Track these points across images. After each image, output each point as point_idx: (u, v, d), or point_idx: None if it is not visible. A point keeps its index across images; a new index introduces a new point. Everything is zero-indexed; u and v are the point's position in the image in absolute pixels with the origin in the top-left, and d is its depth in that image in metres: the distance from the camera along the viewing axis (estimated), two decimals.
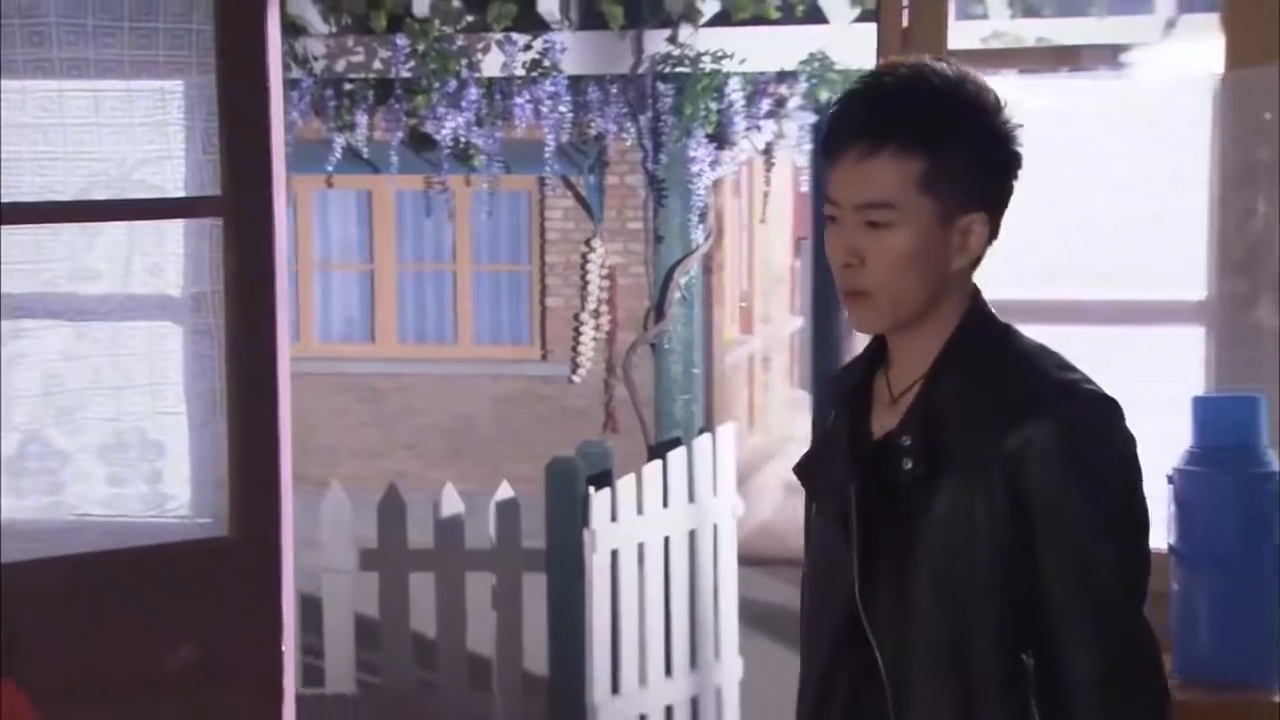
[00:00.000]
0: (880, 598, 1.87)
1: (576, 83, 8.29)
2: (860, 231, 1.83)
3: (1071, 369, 1.87)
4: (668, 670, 5.80)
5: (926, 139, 1.79)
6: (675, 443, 6.52)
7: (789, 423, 12.29)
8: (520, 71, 8.30)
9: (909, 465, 1.85)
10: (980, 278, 2.14)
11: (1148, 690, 1.80)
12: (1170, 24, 7.46)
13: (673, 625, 5.78)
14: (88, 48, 2.89)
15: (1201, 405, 2.78)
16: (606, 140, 8.85)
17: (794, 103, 8.36)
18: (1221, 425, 2.77)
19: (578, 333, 9.77)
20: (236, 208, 2.89)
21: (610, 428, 9.58)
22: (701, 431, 6.84)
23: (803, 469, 2.05)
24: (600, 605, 5.50)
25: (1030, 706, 1.80)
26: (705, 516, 5.96)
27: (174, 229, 2.99)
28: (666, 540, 5.77)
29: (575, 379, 9.84)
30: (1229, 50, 3.10)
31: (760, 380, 12.19)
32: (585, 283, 9.77)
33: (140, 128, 2.97)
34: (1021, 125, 1.86)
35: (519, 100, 8.29)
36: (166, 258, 3.01)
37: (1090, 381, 1.84)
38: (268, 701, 2.93)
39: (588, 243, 9.73)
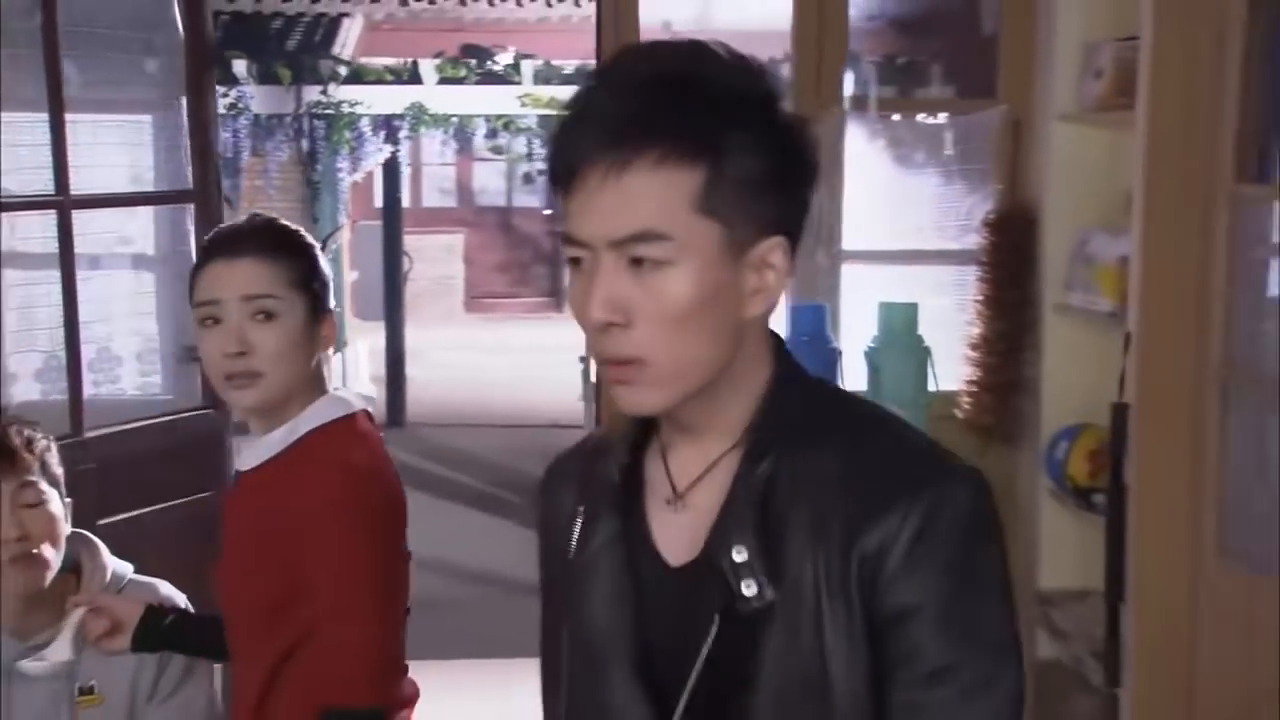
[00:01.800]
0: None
1: (257, 119, 9.63)
2: (620, 277, 1.14)
3: (922, 434, 1.26)
4: None
5: (704, 141, 1.13)
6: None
7: None
8: (223, 111, 9.84)
9: (753, 591, 1.15)
10: None
11: None
12: None
13: None
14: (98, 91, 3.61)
15: (796, 311, 3.71)
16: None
17: (402, 134, 9.77)
18: (806, 321, 3.69)
19: None
20: (202, 195, 3.72)
21: None
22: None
23: (546, 582, 1.34)
24: None
25: None
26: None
27: (158, 211, 3.74)
28: None
29: None
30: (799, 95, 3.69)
31: None
32: None
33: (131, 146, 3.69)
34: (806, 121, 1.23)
35: (224, 133, 9.69)
36: (147, 232, 3.77)
37: (945, 450, 1.23)
38: None
39: None
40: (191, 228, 3.68)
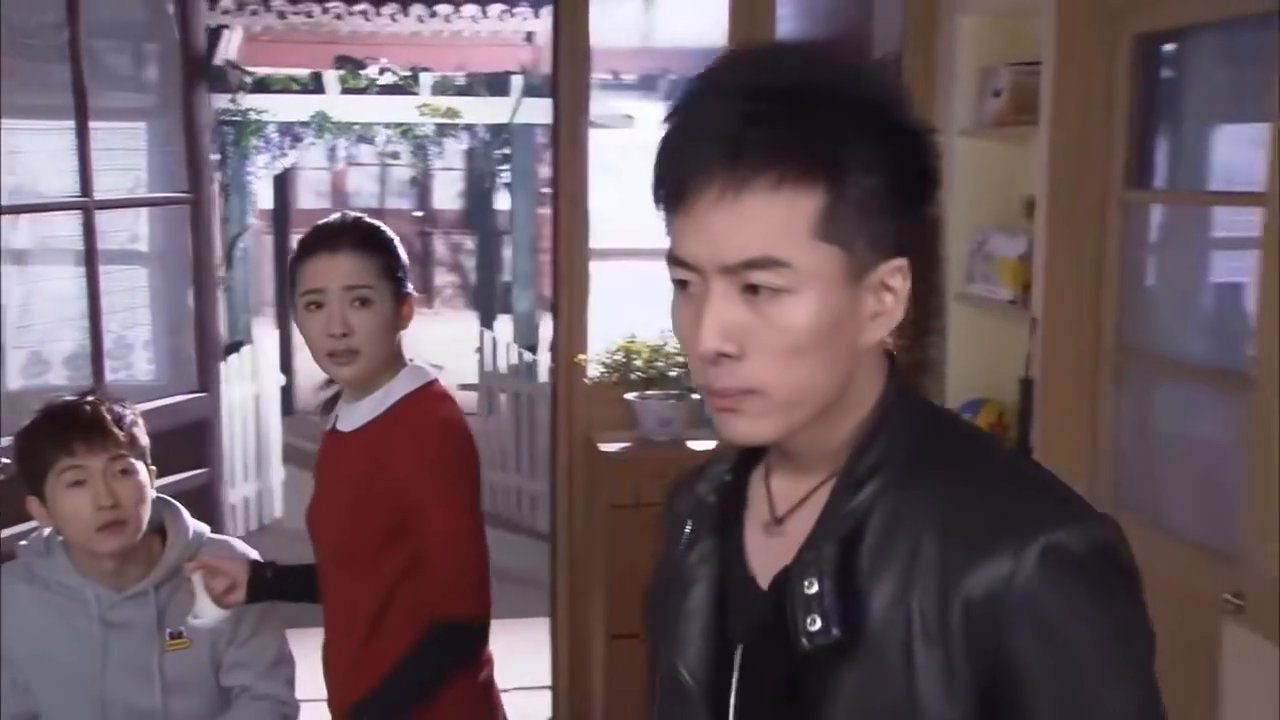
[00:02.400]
0: None
1: None
2: (734, 305, 1.03)
3: (1044, 471, 1.12)
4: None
5: (825, 160, 1.00)
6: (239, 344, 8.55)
7: None
8: None
9: (816, 626, 1.04)
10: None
11: None
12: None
13: None
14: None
15: None
16: None
17: (306, 140, 9.70)
18: None
19: None
20: (196, 197, 3.86)
21: None
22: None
23: (649, 605, 1.26)
24: None
25: None
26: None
27: (152, 212, 3.85)
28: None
29: None
30: None
31: None
32: None
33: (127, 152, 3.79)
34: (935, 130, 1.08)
35: None
36: (143, 231, 3.87)
37: (1072, 491, 1.08)
38: None
39: None
40: (188, 227, 3.79)
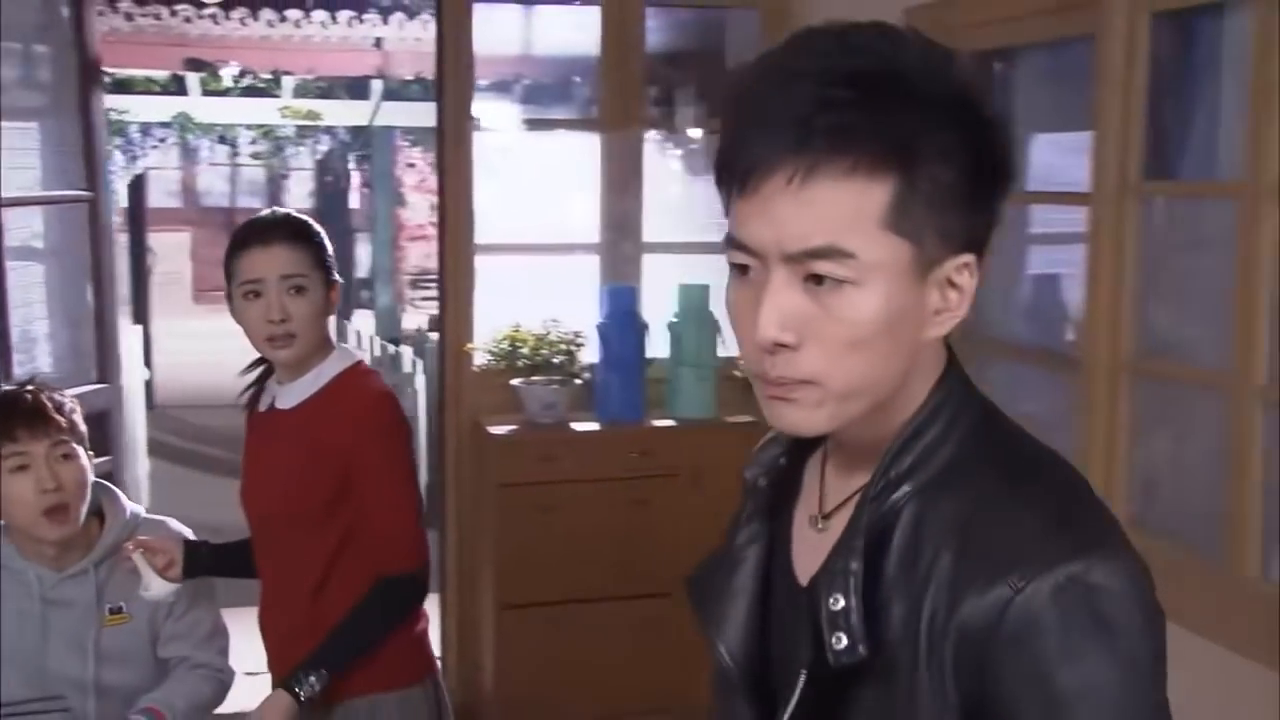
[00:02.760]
0: None
1: None
2: (795, 294, 0.96)
3: (1085, 493, 1.00)
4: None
5: (898, 149, 0.93)
6: None
7: None
8: None
9: (842, 644, 0.98)
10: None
11: None
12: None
13: None
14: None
15: (611, 291, 4.15)
16: None
17: (169, 140, 9.57)
18: (620, 299, 4.12)
19: None
20: (94, 195, 3.87)
21: None
22: None
23: (695, 582, 1.19)
24: None
25: None
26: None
27: (47, 210, 3.84)
28: None
29: None
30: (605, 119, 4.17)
31: None
32: None
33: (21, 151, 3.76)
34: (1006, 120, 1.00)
35: None
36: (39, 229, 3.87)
37: (1112, 525, 0.97)
38: None
39: None
40: (86, 225, 3.80)
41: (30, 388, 2.39)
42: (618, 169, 4.36)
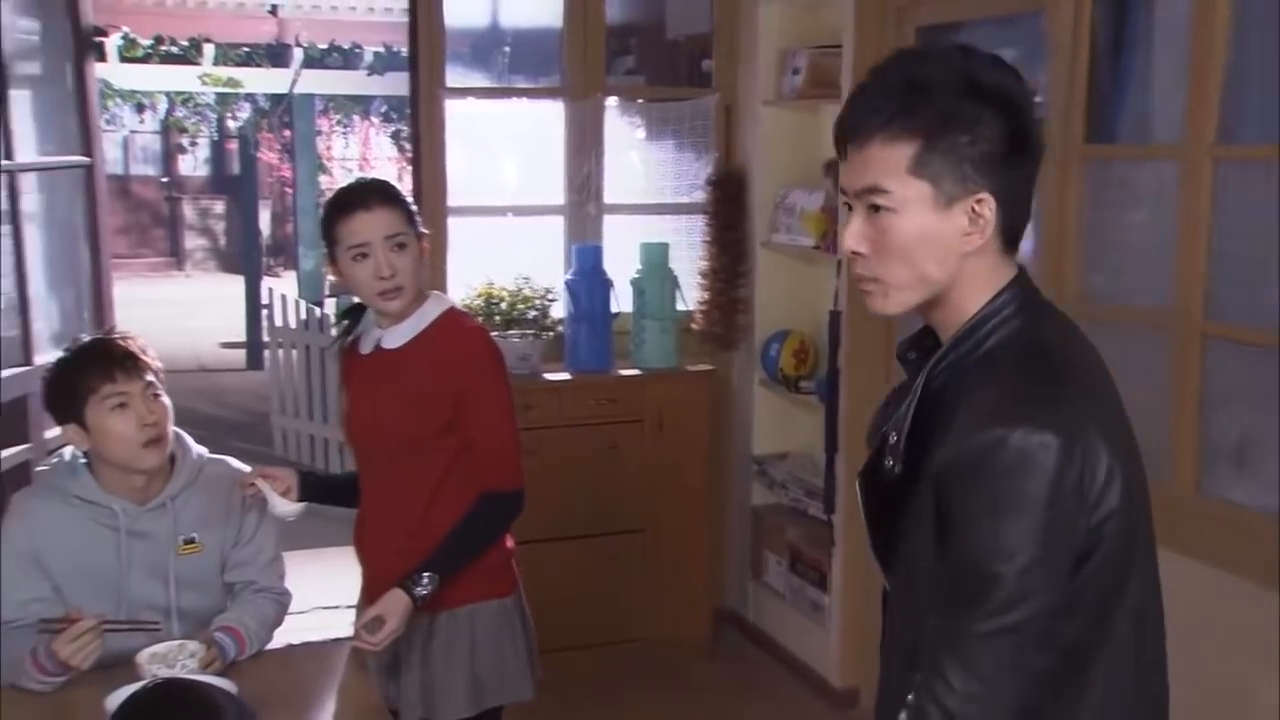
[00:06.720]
0: (889, 563, 1.49)
1: None
2: (863, 219, 1.42)
3: (1030, 398, 1.33)
4: None
5: (916, 125, 1.37)
6: None
7: None
8: None
9: (890, 464, 1.42)
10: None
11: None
12: None
13: None
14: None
15: (579, 250, 4.35)
16: None
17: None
18: (586, 257, 4.34)
19: None
20: (91, 160, 3.93)
21: None
22: None
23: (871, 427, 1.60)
24: None
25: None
26: None
27: (40, 176, 3.89)
28: None
29: None
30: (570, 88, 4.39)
31: None
32: None
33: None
34: (1037, 104, 1.42)
35: None
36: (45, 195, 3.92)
37: (1039, 415, 1.31)
38: None
39: None
40: (81, 190, 3.88)
41: (116, 335, 2.53)
42: (580, 135, 4.53)
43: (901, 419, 1.43)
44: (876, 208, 1.41)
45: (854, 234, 1.44)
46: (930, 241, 1.40)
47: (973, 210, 1.40)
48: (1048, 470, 1.29)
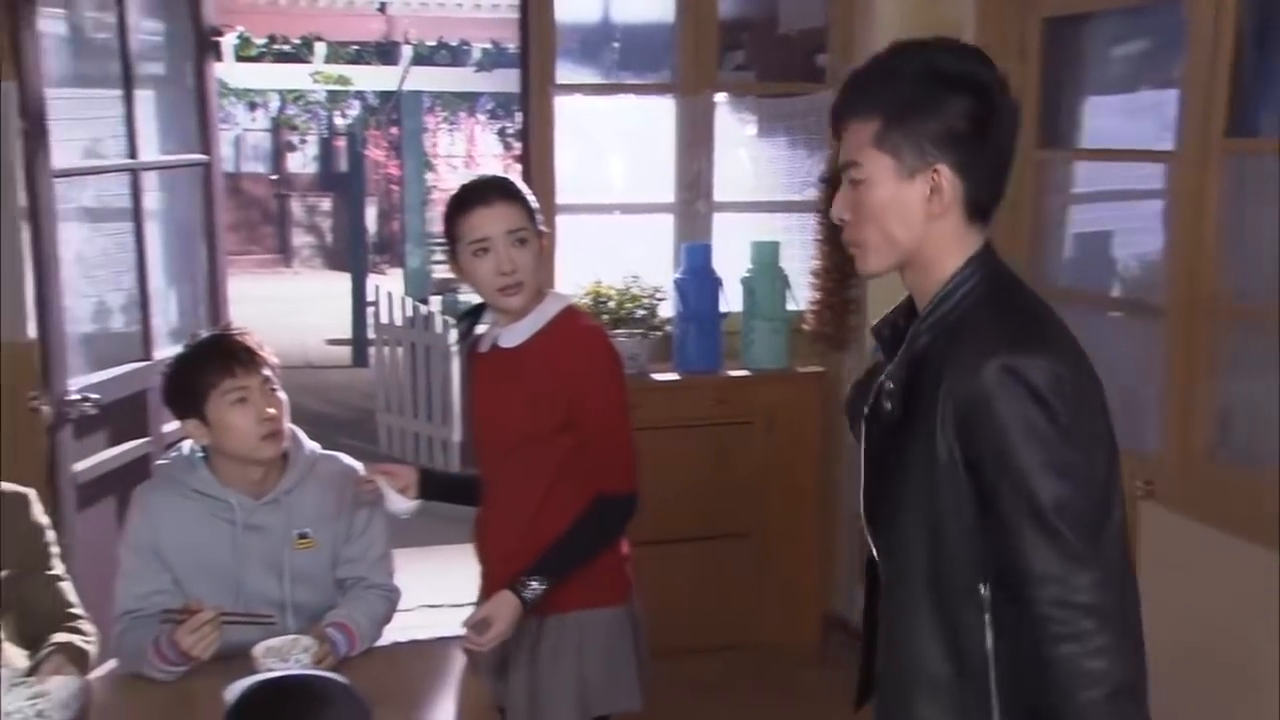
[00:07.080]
0: (881, 514, 1.64)
1: None
2: (848, 190, 1.60)
3: (1009, 342, 1.49)
4: None
5: (880, 106, 1.54)
6: None
7: None
8: None
9: (889, 408, 1.57)
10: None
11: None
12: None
13: None
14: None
15: (689, 249, 4.31)
16: None
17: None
18: (696, 256, 4.30)
19: None
20: (210, 159, 3.99)
21: None
22: None
23: (849, 402, 1.76)
24: None
25: (985, 627, 1.53)
26: None
27: (160, 175, 3.93)
28: None
29: None
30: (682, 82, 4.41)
31: None
32: None
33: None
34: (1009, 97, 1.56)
35: None
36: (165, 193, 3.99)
37: (1021, 351, 1.47)
38: None
39: None
40: (200, 188, 3.94)
41: (234, 332, 2.54)
42: (691, 132, 4.48)
43: (896, 369, 1.59)
44: (855, 181, 1.60)
45: (839, 203, 1.63)
46: (896, 207, 1.58)
47: (933, 179, 1.55)
48: (1055, 385, 1.45)
